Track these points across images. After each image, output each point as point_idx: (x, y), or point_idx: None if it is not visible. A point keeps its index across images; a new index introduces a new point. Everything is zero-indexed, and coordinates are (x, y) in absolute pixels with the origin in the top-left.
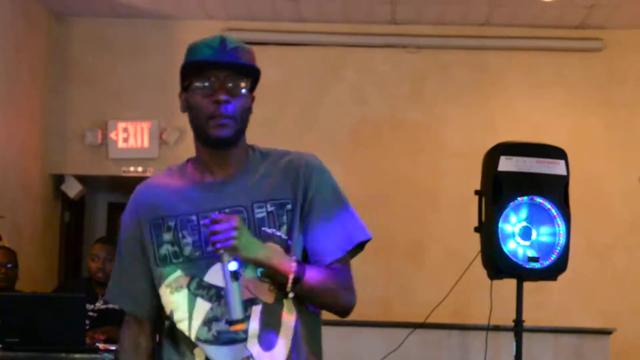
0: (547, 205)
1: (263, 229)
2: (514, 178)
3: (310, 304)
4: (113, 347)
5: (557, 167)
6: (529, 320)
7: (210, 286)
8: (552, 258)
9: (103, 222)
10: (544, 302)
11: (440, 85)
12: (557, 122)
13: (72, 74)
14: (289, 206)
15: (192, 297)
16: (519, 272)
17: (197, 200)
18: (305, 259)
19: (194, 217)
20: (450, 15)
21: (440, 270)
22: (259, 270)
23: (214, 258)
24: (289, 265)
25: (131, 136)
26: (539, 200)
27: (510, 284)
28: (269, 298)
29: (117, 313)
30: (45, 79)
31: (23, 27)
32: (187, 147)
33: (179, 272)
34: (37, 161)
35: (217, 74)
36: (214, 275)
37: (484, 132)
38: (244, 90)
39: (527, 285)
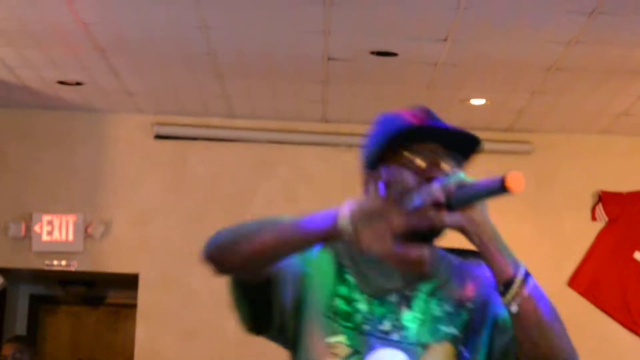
0: None
1: (439, 325)
2: None
3: (528, 334)
4: None
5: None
6: None
7: None
8: None
9: (24, 314)
10: None
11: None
12: None
13: None
14: (469, 305)
15: None
16: None
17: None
18: None
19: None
20: (383, 112)
21: None
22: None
23: (385, 340)
24: (517, 259)
25: (55, 229)
26: None
27: None
28: None
29: None
30: None
31: None
32: (113, 241)
33: (342, 339)
34: None
35: (431, 147)
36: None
37: None
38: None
39: None
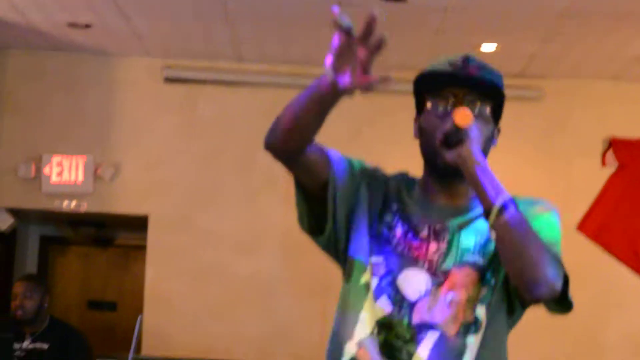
0: None
1: (466, 254)
2: None
3: (506, 256)
4: None
5: None
6: None
7: (397, 289)
8: None
9: (34, 255)
10: None
11: (379, 129)
12: (497, 170)
13: (5, 106)
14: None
15: (380, 290)
16: None
17: (413, 212)
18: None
19: (413, 219)
20: (391, 60)
21: None
22: (451, 294)
23: (415, 263)
24: (501, 190)
25: (65, 170)
26: None
27: None
28: (451, 329)
29: (45, 352)
30: None
31: None
32: (122, 183)
33: (381, 258)
34: None
35: (456, 92)
36: (405, 279)
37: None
38: (487, 112)
39: None
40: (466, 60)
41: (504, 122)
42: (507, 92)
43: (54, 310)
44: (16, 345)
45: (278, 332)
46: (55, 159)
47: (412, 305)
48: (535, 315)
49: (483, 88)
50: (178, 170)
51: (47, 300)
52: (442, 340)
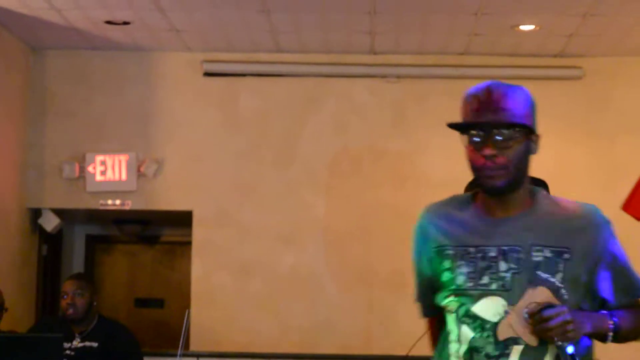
0: None
1: (538, 272)
2: None
3: (624, 342)
4: None
5: None
6: None
7: (476, 317)
8: None
9: (81, 254)
10: None
11: (420, 114)
12: (539, 151)
13: (48, 107)
14: (566, 255)
15: (459, 323)
16: None
17: (477, 234)
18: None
19: (472, 250)
20: (429, 45)
21: None
22: (525, 311)
23: (486, 291)
24: (606, 323)
25: (109, 169)
26: None
27: None
28: (532, 340)
29: (94, 350)
30: (21, 112)
31: None
32: (165, 179)
33: (452, 298)
34: (14, 195)
35: (485, 127)
36: (481, 307)
37: (464, 162)
38: (511, 142)
39: None
40: (489, 93)
41: (546, 102)
42: (547, 72)
43: (102, 308)
44: (65, 345)
45: (323, 323)
46: (99, 157)
47: (495, 325)
48: None
49: (513, 120)
50: (220, 164)
51: (96, 299)
52: (527, 350)
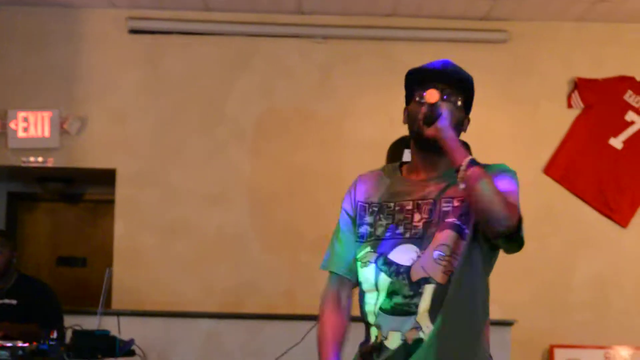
0: None
1: (447, 219)
2: None
3: (471, 201)
4: (9, 344)
5: None
6: None
7: (392, 263)
8: None
9: (2, 212)
10: None
11: (347, 75)
12: None
13: None
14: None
15: (378, 271)
16: None
17: (400, 193)
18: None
19: (391, 204)
20: (356, 6)
21: None
22: (436, 252)
23: (400, 239)
24: (466, 154)
25: (31, 125)
26: None
27: None
28: (442, 279)
29: (13, 308)
30: None
31: None
32: (89, 137)
33: (368, 249)
34: None
35: (437, 86)
36: (397, 254)
37: (390, 123)
38: (459, 103)
39: None
40: (445, 62)
41: (472, 65)
42: (473, 35)
43: (24, 267)
44: None
45: (246, 283)
46: (21, 114)
47: (408, 269)
48: (507, 259)
49: (456, 82)
50: (145, 123)
51: (16, 257)
52: (437, 288)
